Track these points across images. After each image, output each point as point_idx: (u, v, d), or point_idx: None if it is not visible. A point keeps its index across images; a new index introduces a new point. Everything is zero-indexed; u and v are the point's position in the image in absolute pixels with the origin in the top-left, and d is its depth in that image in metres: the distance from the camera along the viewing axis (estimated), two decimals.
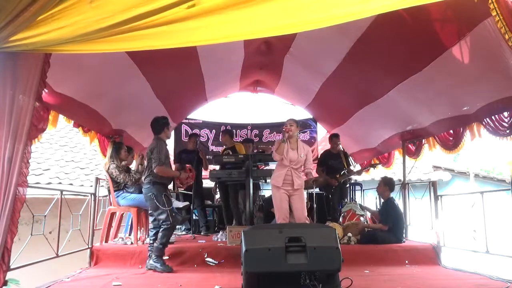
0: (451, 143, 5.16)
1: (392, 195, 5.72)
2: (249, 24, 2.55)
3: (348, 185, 6.92)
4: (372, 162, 7.56)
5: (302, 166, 4.63)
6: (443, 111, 4.87)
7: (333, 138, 6.78)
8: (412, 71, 4.44)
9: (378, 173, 7.91)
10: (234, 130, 8.32)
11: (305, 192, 5.11)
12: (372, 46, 4.48)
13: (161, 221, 4.20)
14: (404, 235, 5.58)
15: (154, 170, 4.16)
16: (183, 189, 4.63)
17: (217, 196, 7.97)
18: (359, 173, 6.87)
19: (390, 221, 5.34)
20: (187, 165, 4.50)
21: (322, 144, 9.80)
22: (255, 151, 7.04)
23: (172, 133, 8.44)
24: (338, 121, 7.56)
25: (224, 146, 6.86)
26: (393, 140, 6.49)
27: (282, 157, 4.54)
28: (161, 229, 4.20)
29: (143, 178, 4.44)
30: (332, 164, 6.52)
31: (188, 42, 2.81)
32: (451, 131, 5.15)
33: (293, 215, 4.69)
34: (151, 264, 4.16)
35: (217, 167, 6.69)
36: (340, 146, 6.91)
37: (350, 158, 7.10)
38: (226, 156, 6.25)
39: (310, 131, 8.80)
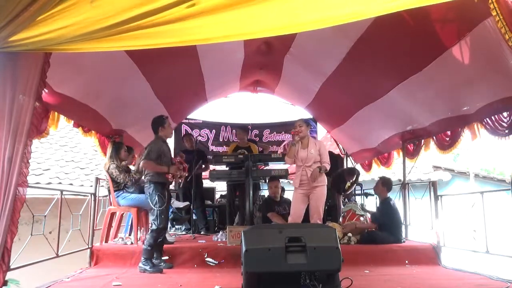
0: (448, 143, 5.17)
1: (392, 195, 5.72)
2: (249, 24, 2.55)
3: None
4: (373, 170, 7.57)
5: (318, 162, 4.58)
6: (443, 111, 4.87)
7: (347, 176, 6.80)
8: (412, 71, 4.44)
9: (378, 173, 7.91)
10: (235, 130, 8.31)
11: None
12: (372, 46, 4.48)
13: (151, 221, 4.14)
14: (404, 235, 5.59)
15: (140, 165, 4.12)
16: (179, 181, 4.40)
17: (217, 196, 7.98)
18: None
19: (382, 221, 5.36)
20: (176, 159, 4.32)
21: None
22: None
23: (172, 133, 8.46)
24: (338, 121, 7.57)
25: (237, 144, 6.80)
26: (393, 140, 6.49)
27: (293, 159, 4.54)
28: (149, 230, 4.17)
29: (143, 177, 4.40)
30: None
31: (188, 42, 2.81)
32: (448, 132, 5.15)
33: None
34: (141, 267, 4.12)
35: (217, 167, 6.69)
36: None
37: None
38: (226, 156, 6.24)
39: (310, 131, 8.77)
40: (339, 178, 6.67)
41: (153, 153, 4.16)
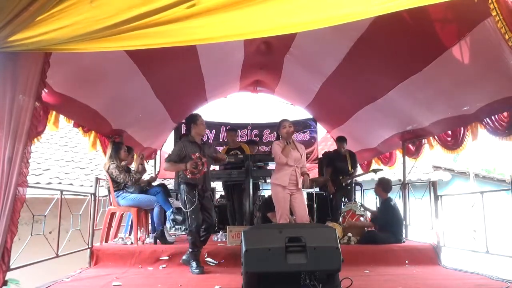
0: (451, 143, 5.17)
1: (392, 195, 5.72)
2: (249, 24, 2.55)
3: (349, 187, 6.92)
4: (372, 167, 7.52)
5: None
6: (443, 111, 4.88)
7: (338, 143, 6.72)
8: (412, 71, 4.44)
9: (379, 173, 7.90)
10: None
11: (304, 193, 5.07)
12: (372, 46, 4.48)
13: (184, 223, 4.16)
14: (404, 235, 5.59)
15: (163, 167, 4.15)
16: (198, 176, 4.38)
17: (217, 196, 7.98)
18: (359, 176, 6.90)
19: (381, 221, 5.38)
20: (195, 154, 4.23)
21: (322, 144, 9.81)
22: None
23: (172, 133, 8.47)
24: (338, 121, 7.57)
25: (228, 146, 6.82)
26: (393, 140, 6.50)
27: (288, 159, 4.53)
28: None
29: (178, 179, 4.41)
30: (338, 165, 6.50)
31: (188, 41, 2.82)
32: (450, 132, 5.15)
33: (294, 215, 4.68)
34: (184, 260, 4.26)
35: (217, 167, 6.68)
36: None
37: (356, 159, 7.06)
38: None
39: (310, 131, 8.80)
40: (330, 156, 6.71)
41: (173, 155, 4.19)
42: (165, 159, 4.26)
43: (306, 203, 4.68)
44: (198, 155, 4.10)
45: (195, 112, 7.85)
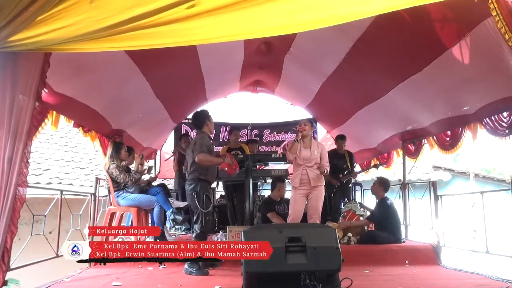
0: (448, 143, 5.18)
1: (392, 195, 5.72)
2: (249, 24, 2.56)
3: (350, 185, 6.93)
4: (373, 163, 7.56)
5: (318, 164, 4.57)
6: (443, 111, 4.88)
7: (338, 140, 6.73)
8: (412, 71, 4.44)
9: (378, 173, 7.91)
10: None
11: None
12: (372, 46, 4.49)
13: (194, 223, 4.01)
14: (404, 235, 5.59)
15: (196, 159, 3.93)
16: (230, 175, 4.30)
17: (217, 196, 7.98)
18: (361, 172, 6.90)
19: (379, 220, 5.37)
20: (227, 153, 4.17)
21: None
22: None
23: (172, 133, 8.47)
24: (338, 121, 7.57)
25: (229, 145, 6.81)
26: (393, 140, 6.50)
27: (295, 156, 4.54)
28: (193, 235, 4.06)
29: (187, 175, 4.25)
30: (337, 164, 6.51)
31: (188, 42, 2.82)
32: (449, 132, 5.15)
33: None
34: (186, 269, 4.02)
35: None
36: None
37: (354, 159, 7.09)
38: (225, 156, 6.22)
39: None
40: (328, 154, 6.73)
41: (205, 147, 4.07)
42: (197, 151, 4.00)
43: (320, 203, 4.62)
44: (233, 153, 4.12)
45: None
